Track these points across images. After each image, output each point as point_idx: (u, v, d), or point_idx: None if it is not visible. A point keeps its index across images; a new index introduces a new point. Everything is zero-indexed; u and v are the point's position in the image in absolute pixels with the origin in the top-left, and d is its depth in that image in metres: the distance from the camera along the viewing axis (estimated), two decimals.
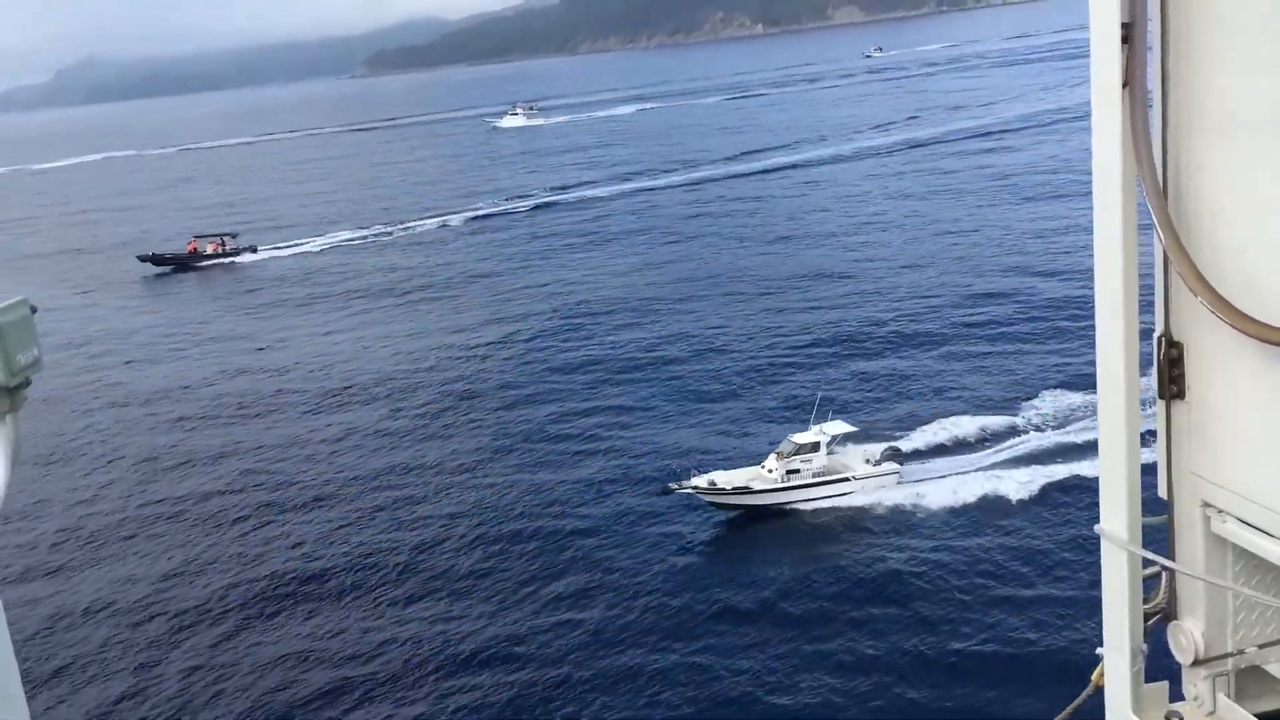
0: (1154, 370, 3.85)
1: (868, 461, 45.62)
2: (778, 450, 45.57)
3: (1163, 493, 3.94)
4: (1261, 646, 3.93)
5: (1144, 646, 4.02)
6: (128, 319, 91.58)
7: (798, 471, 44.46)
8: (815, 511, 44.05)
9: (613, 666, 35.36)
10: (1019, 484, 44.08)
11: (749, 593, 38.96)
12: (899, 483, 45.05)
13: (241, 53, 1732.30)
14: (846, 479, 44.58)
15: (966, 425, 50.00)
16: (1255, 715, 3.93)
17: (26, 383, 3.80)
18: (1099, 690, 4.22)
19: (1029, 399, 52.59)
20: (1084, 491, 42.60)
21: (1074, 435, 47.55)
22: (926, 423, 50.76)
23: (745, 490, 44.07)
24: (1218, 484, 3.71)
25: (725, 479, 44.38)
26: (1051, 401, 51.77)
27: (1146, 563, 3.95)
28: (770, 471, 44.52)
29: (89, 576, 45.30)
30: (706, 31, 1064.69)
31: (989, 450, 47.54)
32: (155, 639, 39.81)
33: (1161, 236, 3.56)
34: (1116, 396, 3.86)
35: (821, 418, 46.62)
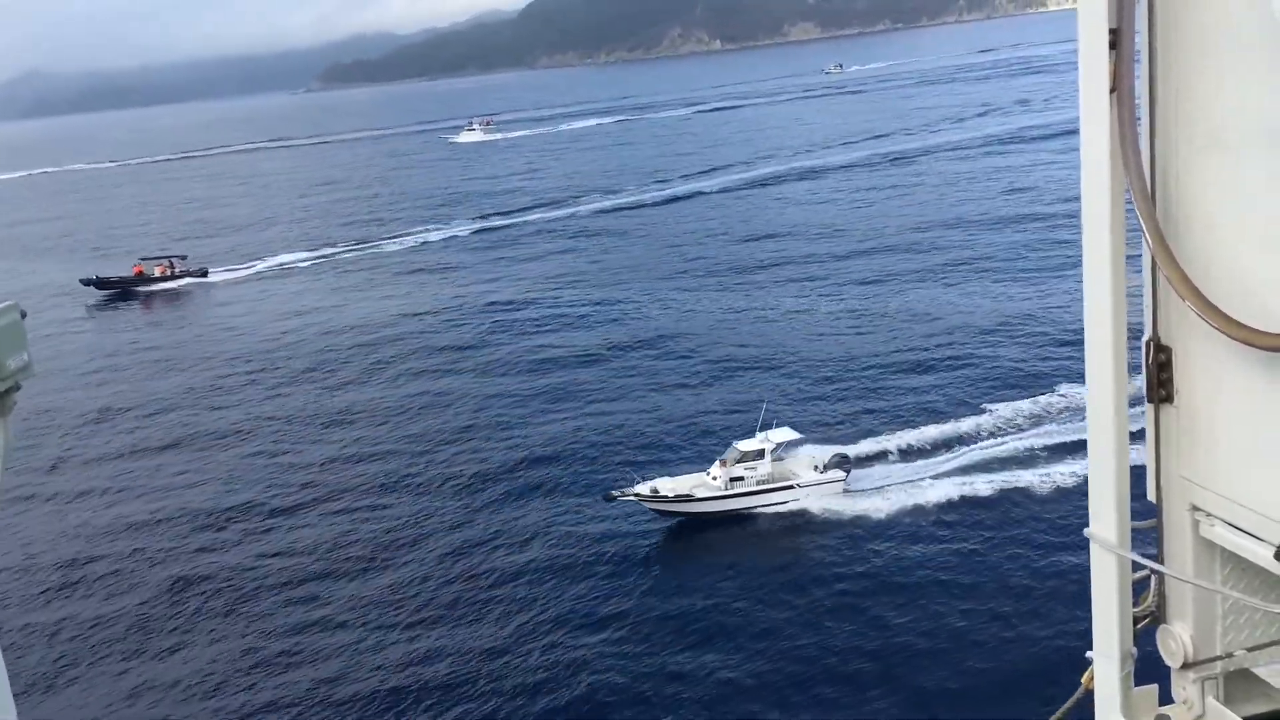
0: (1143, 374, 3.88)
1: (815, 468, 45.33)
2: (722, 458, 45.23)
3: (1152, 496, 3.99)
4: (1250, 649, 3.98)
5: (1133, 650, 4.07)
6: (68, 345, 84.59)
7: (742, 479, 44.17)
8: (759, 519, 43.92)
9: (545, 675, 35.29)
10: (965, 491, 44.27)
11: (687, 601, 38.77)
12: (845, 490, 44.83)
13: (191, 67, 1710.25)
14: (791, 486, 44.39)
15: (915, 433, 50.18)
16: (1243, 718, 3.98)
17: (16, 387, 3.81)
18: (1088, 693, 4.24)
19: (978, 407, 52.83)
20: (1029, 497, 43.75)
21: (1021, 443, 48.18)
22: (875, 430, 50.85)
23: (688, 498, 43.75)
24: (1206, 488, 3.76)
25: (668, 486, 44.12)
26: (1000, 410, 52.10)
27: (1136, 566, 3.99)
28: (714, 479, 44.25)
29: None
30: (665, 47, 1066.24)
31: (937, 458, 47.74)
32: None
33: (1149, 241, 3.59)
34: (1105, 400, 3.89)
35: (768, 425, 46.28)
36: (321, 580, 43.28)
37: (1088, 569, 3.99)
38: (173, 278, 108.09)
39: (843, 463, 45.95)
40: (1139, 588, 4.08)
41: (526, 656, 36.74)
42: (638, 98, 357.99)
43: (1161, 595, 4.07)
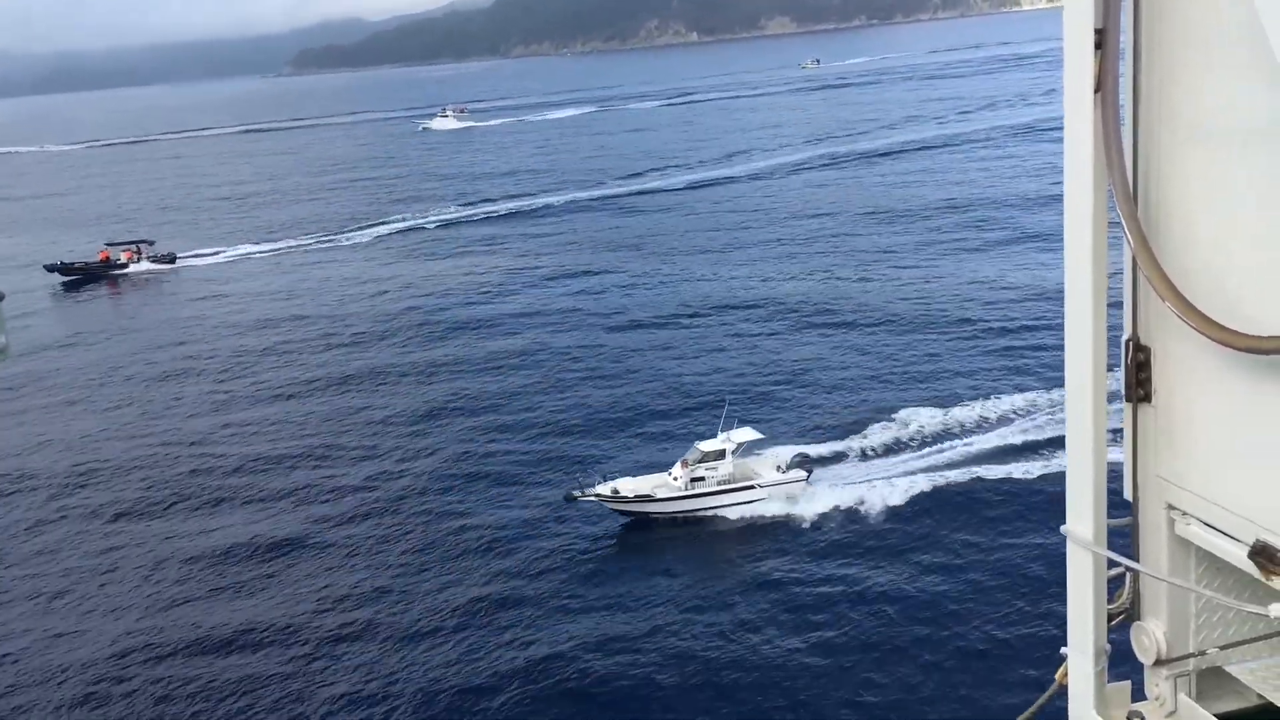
0: (1121, 373, 3.93)
1: (777, 468, 45.25)
2: (684, 458, 45.09)
3: (1128, 495, 4.03)
4: (1223, 648, 4.02)
5: (1107, 646, 4.10)
6: (32, 333, 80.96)
7: (703, 479, 44.12)
8: (720, 519, 43.87)
9: (498, 675, 34.96)
10: (931, 489, 44.43)
11: (642, 603, 38.49)
12: (806, 490, 44.71)
13: (159, 49, 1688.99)
14: (752, 486, 44.35)
15: (879, 433, 50.23)
16: (1216, 715, 4.03)
17: None
18: (1062, 689, 4.29)
19: (944, 407, 52.53)
20: (999, 494, 43.88)
21: (989, 442, 48.35)
22: (839, 430, 50.89)
23: (648, 498, 43.73)
24: (1182, 487, 3.80)
25: (629, 486, 44.04)
26: (967, 409, 52.12)
27: (1111, 563, 4.03)
28: (675, 479, 44.22)
29: None
30: (641, 38, 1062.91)
31: (901, 457, 47.85)
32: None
33: (1130, 241, 3.62)
34: (1084, 399, 3.91)
35: (730, 425, 46.21)
36: (261, 576, 42.96)
37: (1061, 566, 4.04)
38: (140, 263, 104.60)
39: (804, 463, 45.81)
40: (1114, 585, 4.13)
41: (472, 657, 36.21)
42: (619, 87, 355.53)
43: (1136, 593, 4.12)
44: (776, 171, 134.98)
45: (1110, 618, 4.10)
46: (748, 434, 46.25)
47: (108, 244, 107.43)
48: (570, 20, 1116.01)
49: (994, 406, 52.40)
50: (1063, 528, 4.05)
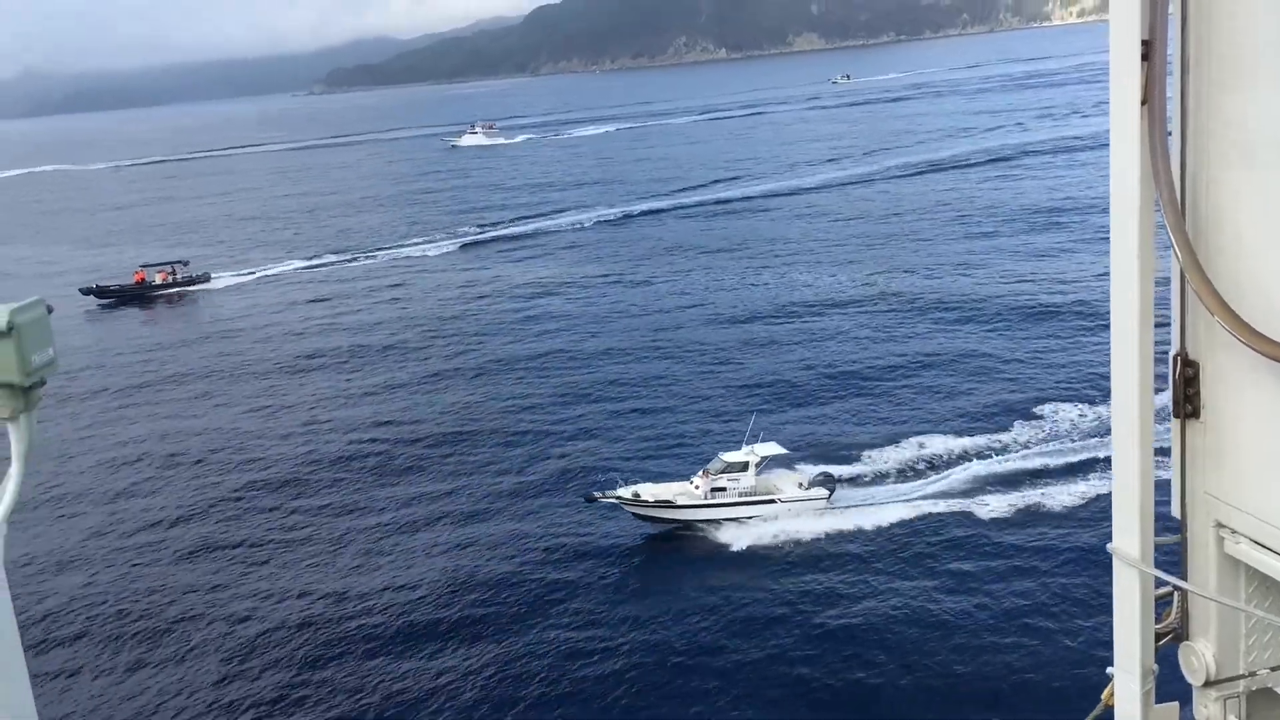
0: (1169, 389, 3.86)
1: (799, 485, 45.04)
2: (706, 468, 45.13)
3: (1176, 512, 3.96)
4: (1273, 669, 3.96)
5: (1155, 667, 4.04)
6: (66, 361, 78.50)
7: (724, 490, 44.11)
8: (738, 531, 43.52)
9: (511, 675, 34.97)
10: (959, 511, 43.79)
11: (654, 611, 38.34)
12: (828, 507, 44.30)
13: (188, 68, 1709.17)
14: (773, 500, 44.16)
15: (905, 454, 49.71)
16: None
17: (41, 382, 3.87)
18: (1109, 710, 4.22)
19: (974, 428, 52.13)
20: (1032, 515, 43.00)
21: (1021, 463, 47.74)
22: (865, 449, 50.44)
23: (668, 504, 43.58)
24: (1232, 505, 3.74)
25: (650, 492, 44.02)
26: (1000, 430, 51.59)
27: (1159, 582, 3.96)
28: (696, 488, 44.17)
29: None
30: (670, 56, 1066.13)
31: (927, 479, 47.16)
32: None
33: (1179, 254, 3.56)
34: (1130, 415, 3.84)
35: (755, 438, 46.14)
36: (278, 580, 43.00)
37: (1106, 585, 4.00)
38: (175, 284, 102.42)
39: (827, 480, 45.48)
40: (1162, 604, 4.07)
41: (485, 659, 36.26)
42: (650, 104, 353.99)
43: (1184, 612, 4.06)
44: (819, 185, 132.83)
45: (1158, 638, 4.06)
46: (772, 448, 45.90)
47: (142, 265, 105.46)
48: (599, 38, 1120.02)
49: (1032, 426, 51.67)
50: (1109, 546, 4.01)
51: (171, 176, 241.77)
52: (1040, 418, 52.70)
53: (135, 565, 45.40)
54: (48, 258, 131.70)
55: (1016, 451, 49.33)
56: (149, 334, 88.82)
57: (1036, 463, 47.75)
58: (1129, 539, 3.91)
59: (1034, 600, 37.23)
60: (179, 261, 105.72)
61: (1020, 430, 51.39)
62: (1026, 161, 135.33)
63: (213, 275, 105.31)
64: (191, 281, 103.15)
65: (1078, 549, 39.95)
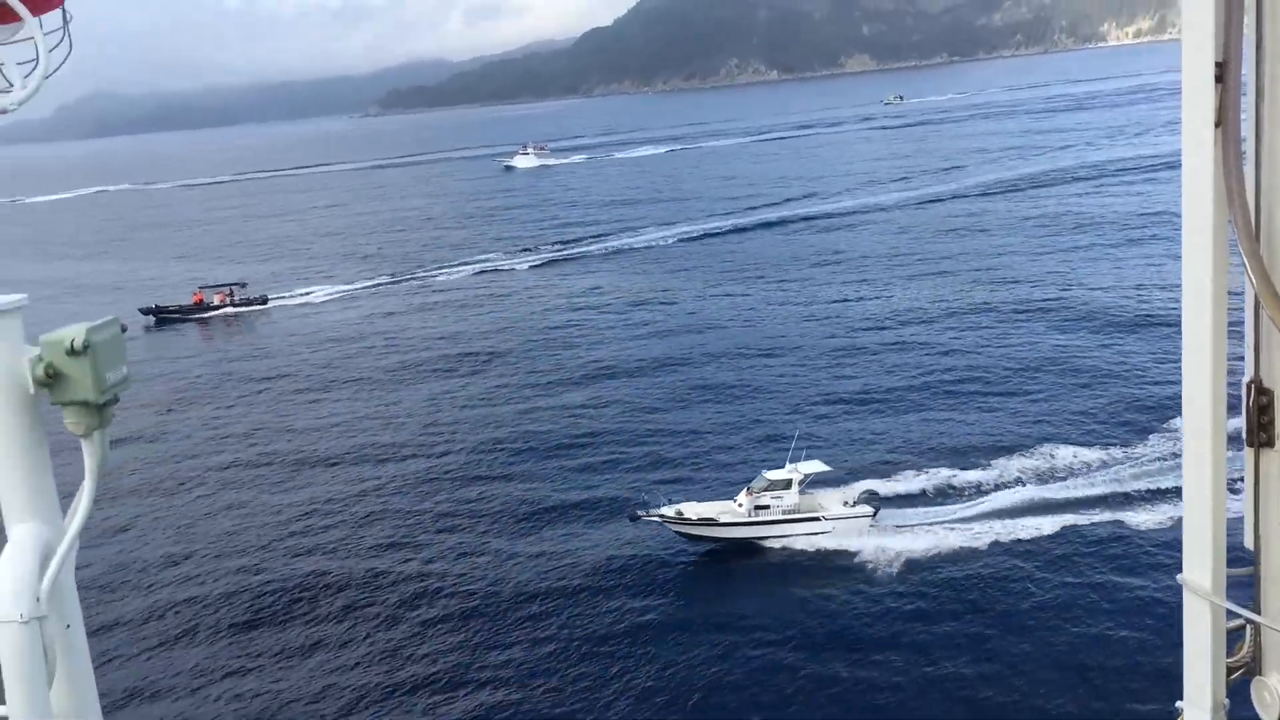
0: (1242, 417, 3.78)
1: (844, 503, 44.73)
2: (749, 486, 44.94)
3: (1249, 544, 3.87)
4: None
5: (1226, 701, 3.93)
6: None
7: (767, 508, 43.85)
8: (782, 550, 43.41)
9: (560, 687, 35.16)
10: (1007, 537, 42.76)
11: (699, 627, 38.24)
12: (872, 526, 43.77)
13: (251, 90, 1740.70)
14: (817, 518, 43.82)
15: (954, 475, 48.81)
16: None
17: (115, 399, 4.01)
18: None
19: (1016, 452, 51.10)
20: (1084, 544, 41.89)
21: (1076, 489, 46.56)
22: (911, 469, 49.76)
23: (711, 522, 43.42)
24: None
25: (694, 510, 43.88)
26: (1039, 457, 50.44)
27: (1230, 615, 3.87)
28: (739, 506, 43.97)
29: None
30: (722, 77, 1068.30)
31: (974, 500, 46.29)
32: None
33: (1253, 279, 3.49)
34: (1202, 443, 3.77)
35: (798, 456, 45.89)
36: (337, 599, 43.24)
37: (1172, 618, 4.28)
38: (233, 305, 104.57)
39: (871, 499, 45.08)
40: (1233, 637, 3.99)
41: (533, 670, 36.60)
42: (704, 125, 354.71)
43: (1258, 646, 3.97)
44: (875, 207, 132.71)
45: (1229, 672, 3.96)
46: (816, 466, 45.74)
47: (201, 286, 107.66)
48: (650, 59, 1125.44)
49: (1088, 451, 50.33)
50: (1179, 577, 3.92)
51: (234, 196, 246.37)
52: (1102, 441, 51.72)
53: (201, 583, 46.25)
54: (112, 274, 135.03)
55: (1075, 474, 48.00)
56: (202, 354, 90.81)
57: (1096, 488, 46.49)
58: (1200, 570, 3.82)
59: (1093, 631, 36.32)
60: (237, 283, 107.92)
61: (1080, 453, 50.28)
62: (1104, 180, 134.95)
63: (270, 297, 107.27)
64: (249, 303, 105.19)
65: (1142, 578, 39.10)
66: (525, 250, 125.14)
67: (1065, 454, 50.54)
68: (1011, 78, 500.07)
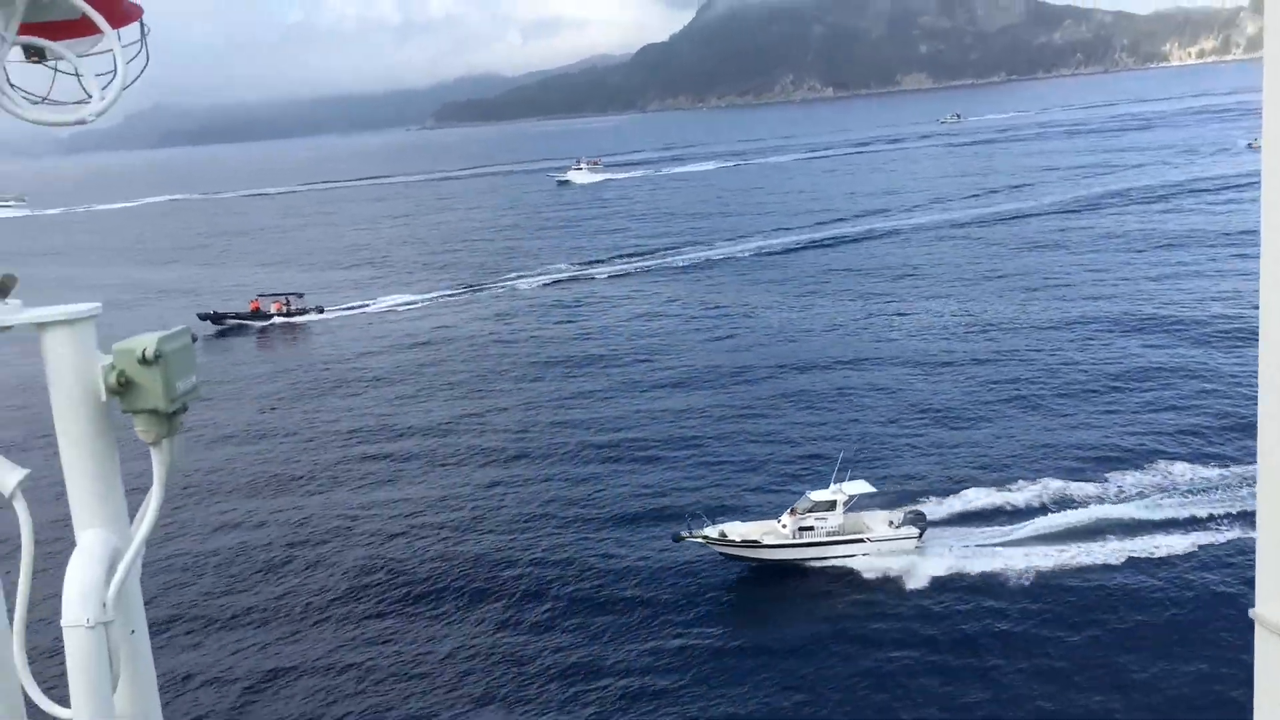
0: None
1: (889, 523, 43.79)
2: (793, 506, 44.41)
3: None
4: None
5: None
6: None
7: (811, 529, 43.26)
8: (827, 571, 42.63)
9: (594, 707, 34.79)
10: (1058, 562, 41.22)
11: (744, 649, 37.71)
12: (918, 548, 42.68)
13: (308, 103, 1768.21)
14: (862, 540, 43.08)
15: (1003, 494, 47.51)
16: None
17: (184, 408, 4.06)
18: None
19: (1071, 473, 49.44)
20: (1140, 573, 40.27)
21: (1115, 514, 44.87)
22: (961, 487, 48.60)
23: (755, 544, 42.97)
24: None
25: (737, 531, 43.46)
26: (1096, 478, 48.68)
27: None
28: (783, 527, 43.42)
29: None
30: (777, 93, 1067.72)
31: (1024, 522, 44.94)
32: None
33: None
34: (1277, 471, 3.65)
35: (843, 476, 45.29)
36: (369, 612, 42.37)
37: (1241, 653, 4.19)
38: (289, 315, 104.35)
39: (918, 520, 43.75)
40: None
41: (566, 684, 36.30)
42: (762, 141, 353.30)
43: None
44: (944, 224, 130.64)
45: None
46: (861, 487, 44.85)
47: (259, 294, 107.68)
48: (706, 76, 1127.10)
49: (1150, 476, 48.46)
50: (1251, 612, 3.78)
51: (301, 206, 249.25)
52: (1164, 464, 49.88)
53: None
54: (179, 280, 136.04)
55: (1135, 497, 46.41)
56: (254, 361, 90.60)
57: (1160, 511, 44.78)
58: (1273, 604, 3.69)
59: (1153, 666, 34.73)
60: (294, 293, 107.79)
61: (1140, 475, 48.62)
62: (1184, 198, 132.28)
63: (326, 307, 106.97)
64: (305, 312, 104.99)
65: (1210, 610, 37.44)
66: (579, 264, 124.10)
67: (1125, 476, 48.81)
68: (1073, 96, 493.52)
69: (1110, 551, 41.78)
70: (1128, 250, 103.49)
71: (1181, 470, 48.77)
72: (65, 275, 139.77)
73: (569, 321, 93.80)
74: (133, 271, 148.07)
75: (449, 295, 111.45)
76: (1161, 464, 49.71)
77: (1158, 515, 44.58)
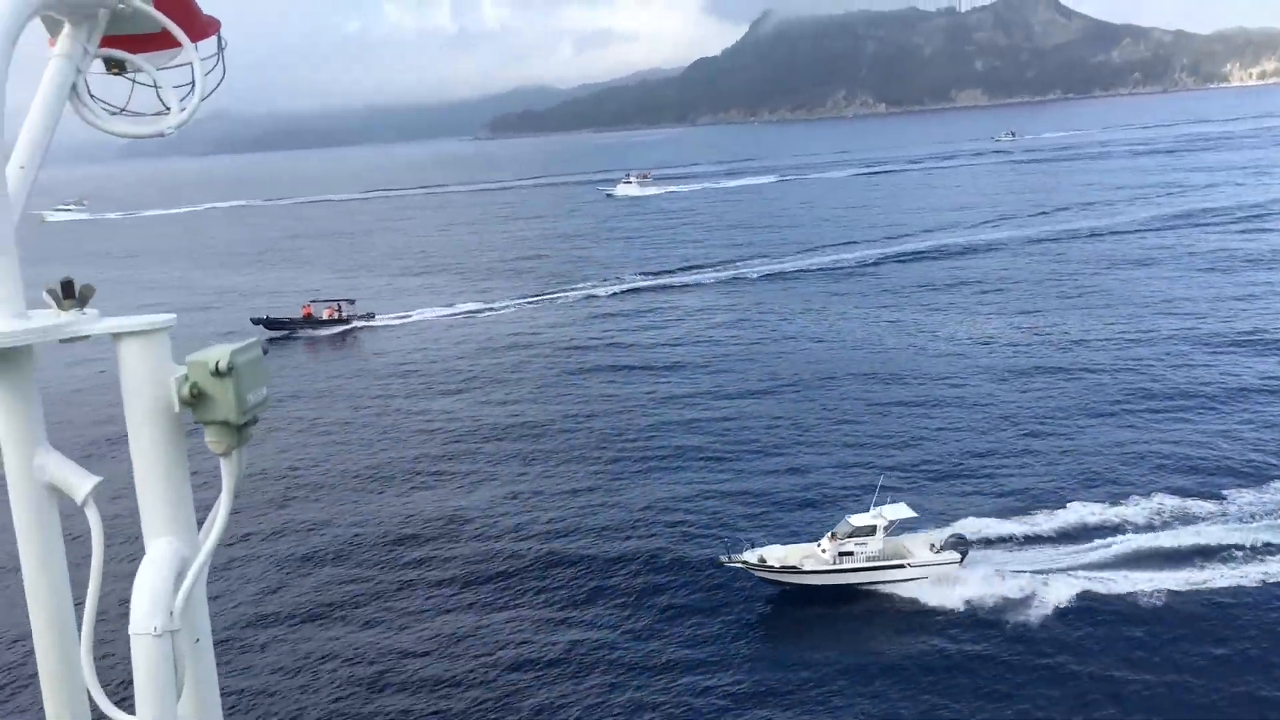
0: None
1: (931, 547, 43.01)
2: (833, 530, 43.94)
3: None
4: None
5: None
6: None
7: (851, 554, 42.75)
8: (867, 597, 42.11)
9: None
10: (1100, 591, 40.14)
11: (783, 675, 37.08)
12: (959, 574, 41.84)
13: (360, 112, 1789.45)
14: (903, 565, 42.45)
15: (1049, 519, 46.28)
16: None
17: (254, 420, 4.14)
18: None
19: (1122, 498, 47.99)
20: (1192, 603, 38.84)
21: (1176, 541, 43.35)
22: (1006, 511, 47.57)
23: (794, 569, 42.67)
24: None
25: (776, 555, 43.18)
26: (1149, 503, 47.01)
27: None
28: (823, 551, 43.02)
29: None
30: (829, 109, 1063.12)
31: (1072, 548, 43.84)
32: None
33: None
34: None
35: (884, 500, 44.58)
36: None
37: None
38: (340, 321, 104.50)
39: (960, 544, 42.83)
40: None
41: (600, 703, 35.94)
42: (817, 156, 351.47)
43: None
44: (1042, 236, 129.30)
45: None
46: (901, 511, 44.02)
47: (311, 300, 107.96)
48: (758, 90, 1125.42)
49: (1205, 502, 46.88)
50: None
51: (359, 214, 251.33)
52: (1220, 489, 48.33)
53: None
54: (230, 284, 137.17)
55: (1185, 525, 44.99)
56: (304, 366, 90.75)
57: (1209, 540, 43.26)
58: None
59: (1202, 704, 33.50)
60: (346, 299, 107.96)
61: (1195, 503, 46.97)
62: (1267, 219, 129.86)
63: (377, 315, 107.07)
64: (356, 318, 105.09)
65: (1261, 646, 36.00)
66: (616, 279, 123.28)
67: (1179, 501, 47.13)
68: (1132, 116, 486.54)
69: (1164, 580, 40.67)
70: (1211, 270, 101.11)
71: (1251, 495, 47.37)
72: (122, 277, 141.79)
73: (621, 332, 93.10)
74: (192, 274, 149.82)
75: (494, 306, 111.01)
76: (1222, 489, 48.17)
77: (1218, 542, 43.20)
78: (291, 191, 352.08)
